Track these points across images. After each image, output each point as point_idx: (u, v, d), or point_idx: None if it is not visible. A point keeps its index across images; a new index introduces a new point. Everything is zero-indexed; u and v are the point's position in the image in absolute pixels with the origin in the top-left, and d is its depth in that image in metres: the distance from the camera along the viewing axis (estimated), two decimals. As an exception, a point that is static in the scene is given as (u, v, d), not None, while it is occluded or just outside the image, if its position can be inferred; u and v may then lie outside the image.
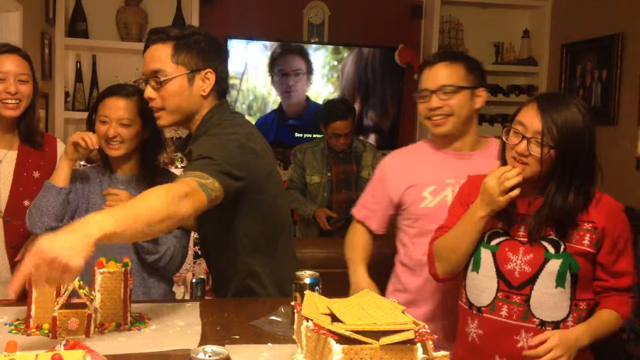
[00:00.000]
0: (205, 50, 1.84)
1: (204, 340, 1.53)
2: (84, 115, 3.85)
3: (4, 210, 2.04)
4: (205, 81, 1.85)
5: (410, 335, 1.17)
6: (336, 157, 3.75)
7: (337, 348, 1.14)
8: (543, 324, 1.62)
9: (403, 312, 1.27)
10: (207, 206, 1.61)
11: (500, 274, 1.63)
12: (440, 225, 1.84)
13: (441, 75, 1.96)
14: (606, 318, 1.63)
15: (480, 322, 1.67)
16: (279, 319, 1.69)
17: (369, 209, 2.17)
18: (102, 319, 1.56)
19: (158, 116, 1.86)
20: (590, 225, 1.61)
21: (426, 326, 1.22)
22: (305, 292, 1.57)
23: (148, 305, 1.77)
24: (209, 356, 1.05)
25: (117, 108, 1.99)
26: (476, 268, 1.68)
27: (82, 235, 1.29)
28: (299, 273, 1.70)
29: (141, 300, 1.86)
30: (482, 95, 2.00)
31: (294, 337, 1.40)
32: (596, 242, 1.60)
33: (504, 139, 1.67)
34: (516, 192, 1.60)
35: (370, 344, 1.15)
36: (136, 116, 2.01)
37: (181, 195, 1.51)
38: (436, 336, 1.23)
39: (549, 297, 1.60)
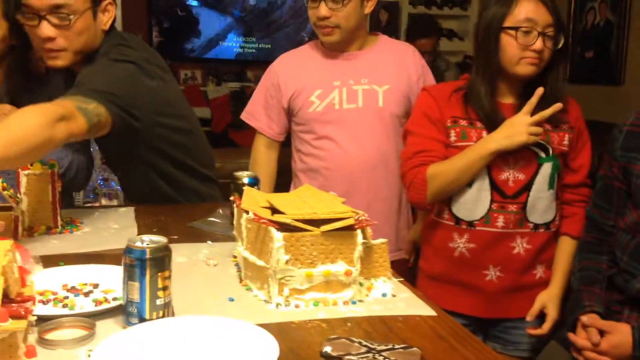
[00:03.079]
0: None
1: (140, 241, 1.50)
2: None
3: None
4: (106, 14, 1.69)
5: (350, 222, 1.18)
6: None
7: (278, 235, 1.14)
8: (536, 227, 1.65)
9: (343, 203, 1.28)
10: (87, 133, 1.45)
11: (494, 185, 1.62)
12: (417, 150, 1.70)
13: None
14: (570, 251, 1.68)
15: (472, 236, 1.65)
16: (217, 220, 1.68)
17: (266, 116, 2.12)
18: (31, 223, 1.50)
19: (55, 56, 1.63)
20: (567, 125, 1.65)
21: (365, 215, 1.23)
22: (244, 188, 1.57)
23: (79, 210, 1.72)
24: (147, 244, 1.02)
25: None
26: (468, 183, 1.64)
27: None
28: (237, 173, 1.68)
29: (71, 207, 1.80)
30: (371, 0, 1.96)
31: (234, 233, 1.39)
32: (570, 141, 1.65)
33: (506, 41, 1.59)
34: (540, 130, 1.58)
35: (310, 231, 1.15)
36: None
37: (56, 117, 1.33)
38: (376, 222, 1.25)
39: (542, 201, 1.63)
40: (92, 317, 1.03)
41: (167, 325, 1.00)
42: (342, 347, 0.96)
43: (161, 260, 1.03)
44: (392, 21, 5.23)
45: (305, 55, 2.09)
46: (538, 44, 1.54)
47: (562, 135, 1.65)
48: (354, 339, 0.99)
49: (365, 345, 0.97)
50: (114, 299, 1.11)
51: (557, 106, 1.55)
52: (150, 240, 1.04)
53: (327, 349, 0.96)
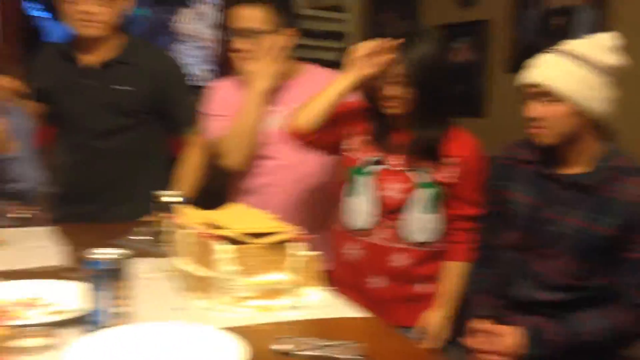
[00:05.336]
0: None
1: (69, 258, 1.52)
2: None
3: None
4: None
5: (287, 235, 1.30)
6: None
7: (222, 248, 1.24)
8: (416, 244, 1.74)
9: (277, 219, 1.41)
10: None
11: (375, 200, 1.72)
12: None
13: (243, 17, 1.95)
14: (455, 273, 1.78)
15: (358, 244, 1.76)
16: (138, 237, 1.72)
17: None
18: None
19: (97, 26, 1.95)
20: (451, 159, 1.75)
21: (299, 229, 1.36)
22: (170, 207, 1.65)
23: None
24: (104, 256, 1.08)
25: None
26: (352, 193, 1.76)
27: None
28: (156, 192, 1.74)
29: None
30: (290, 35, 2.00)
31: (166, 248, 1.46)
32: (458, 174, 1.75)
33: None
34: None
35: (252, 243, 1.26)
36: None
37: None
38: (315, 236, 1.38)
39: (418, 222, 1.73)
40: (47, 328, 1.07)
41: (129, 332, 1.06)
42: (291, 345, 1.08)
43: (118, 271, 1.09)
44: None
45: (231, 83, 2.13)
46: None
47: (444, 168, 1.75)
48: (299, 338, 1.11)
49: (312, 343, 1.10)
50: (64, 311, 1.15)
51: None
52: (106, 253, 1.10)
53: (278, 347, 1.08)
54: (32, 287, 1.26)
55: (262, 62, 1.91)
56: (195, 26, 4.77)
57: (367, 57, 1.65)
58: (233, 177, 2.13)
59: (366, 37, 1.76)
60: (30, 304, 1.18)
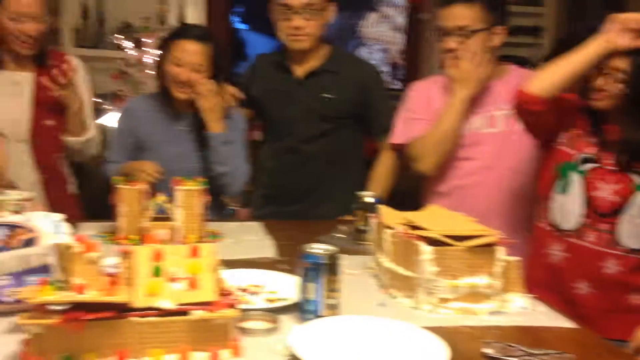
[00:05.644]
0: None
1: (279, 251, 1.65)
2: (93, 52, 3.87)
3: (30, 131, 2.07)
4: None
5: (492, 239, 1.30)
6: None
7: (427, 249, 1.27)
8: (632, 251, 1.64)
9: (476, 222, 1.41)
10: None
11: (588, 200, 1.65)
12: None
13: (457, 15, 1.94)
14: None
15: (564, 246, 1.68)
16: (341, 235, 1.82)
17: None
18: (183, 232, 1.67)
19: (306, 39, 2.13)
20: None
21: (501, 233, 1.34)
22: (371, 207, 1.72)
23: (212, 223, 1.88)
24: (322, 251, 1.17)
25: (193, 53, 1.98)
26: (564, 190, 1.69)
27: None
28: (359, 193, 1.83)
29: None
30: (500, 33, 1.99)
31: (371, 246, 1.53)
32: None
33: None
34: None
35: (456, 245, 1.28)
36: (208, 63, 2.00)
37: None
38: (516, 240, 1.36)
39: (636, 227, 1.62)
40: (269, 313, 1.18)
41: (341, 323, 1.14)
42: (501, 350, 1.08)
43: (333, 266, 1.18)
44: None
45: (438, 83, 2.13)
46: None
47: None
48: (510, 344, 1.10)
49: (521, 349, 1.09)
50: (282, 298, 1.26)
51: None
52: (323, 248, 1.19)
53: (488, 350, 1.08)
54: (253, 275, 1.40)
55: (469, 65, 1.91)
56: (380, 29, 4.87)
57: (629, 29, 1.54)
58: (427, 180, 2.15)
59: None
60: (253, 291, 1.31)
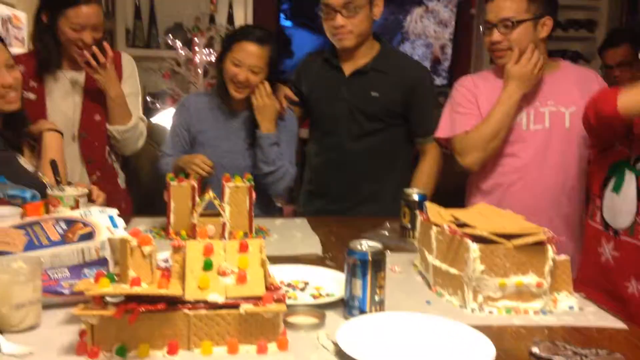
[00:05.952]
0: None
1: (325, 248, 1.67)
2: (145, 52, 3.97)
3: (79, 127, 2.14)
4: (377, 8, 2.17)
5: (541, 237, 1.28)
6: None
7: (474, 247, 1.26)
8: None
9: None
10: None
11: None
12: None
13: (502, 7, 1.93)
14: None
15: (617, 244, 1.66)
16: (386, 233, 1.82)
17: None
18: (231, 229, 1.70)
19: (348, 37, 2.14)
20: None
21: (550, 231, 1.32)
22: (418, 204, 1.72)
23: (259, 220, 1.91)
24: (368, 248, 1.18)
25: (252, 55, 2.01)
26: (616, 189, 1.66)
27: None
28: (406, 190, 1.83)
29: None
30: (547, 24, 1.96)
31: (416, 244, 1.53)
32: None
33: None
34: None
35: (504, 244, 1.27)
36: (266, 65, 2.04)
37: None
38: (563, 238, 1.33)
39: None
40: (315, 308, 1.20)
41: (387, 319, 1.14)
42: (548, 349, 1.07)
43: (380, 262, 1.18)
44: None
45: (487, 78, 2.12)
46: None
47: None
48: (558, 343, 1.09)
49: (569, 349, 1.07)
50: (327, 294, 1.27)
51: None
52: (369, 245, 1.20)
53: (536, 349, 1.07)
54: (299, 271, 1.42)
55: (530, 65, 1.89)
56: (425, 24, 4.82)
57: None
58: (472, 176, 2.13)
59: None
60: (300, 287, 1.33)
